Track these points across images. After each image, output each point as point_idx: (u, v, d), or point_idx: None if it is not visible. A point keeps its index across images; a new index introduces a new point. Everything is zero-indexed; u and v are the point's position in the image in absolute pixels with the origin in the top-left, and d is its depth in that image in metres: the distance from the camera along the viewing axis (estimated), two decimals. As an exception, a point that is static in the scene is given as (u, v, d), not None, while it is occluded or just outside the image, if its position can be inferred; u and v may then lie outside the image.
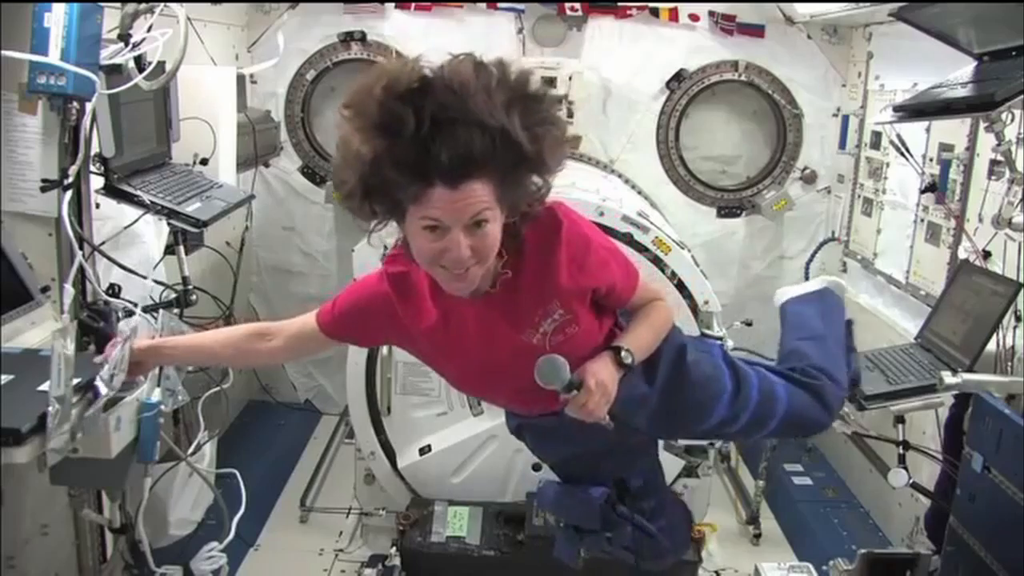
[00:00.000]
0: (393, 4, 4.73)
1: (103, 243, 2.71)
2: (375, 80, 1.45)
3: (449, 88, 1.42)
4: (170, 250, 3.06)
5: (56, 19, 2.29)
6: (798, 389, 2.12)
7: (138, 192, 2.79)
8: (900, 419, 2.75)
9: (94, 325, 2.52)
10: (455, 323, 1.74)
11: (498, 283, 1.69)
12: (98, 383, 1.86)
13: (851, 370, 2.36)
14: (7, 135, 2.45)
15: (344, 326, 1.87)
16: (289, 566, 3.63)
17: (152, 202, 2.80)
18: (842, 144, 4.73)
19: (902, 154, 3.66)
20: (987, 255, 3.00)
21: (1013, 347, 2.71)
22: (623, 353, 1.74)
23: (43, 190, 2.45)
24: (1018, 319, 2.70)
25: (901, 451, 2.76)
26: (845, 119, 4.71)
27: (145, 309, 2.76)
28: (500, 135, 1.44)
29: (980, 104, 2.34)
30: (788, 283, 4.93)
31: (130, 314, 2.70)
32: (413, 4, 4.73)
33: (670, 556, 2.36)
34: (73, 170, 2.47)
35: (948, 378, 2.46)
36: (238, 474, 3.00)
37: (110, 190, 2.76)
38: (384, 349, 3.33)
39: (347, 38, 4.75)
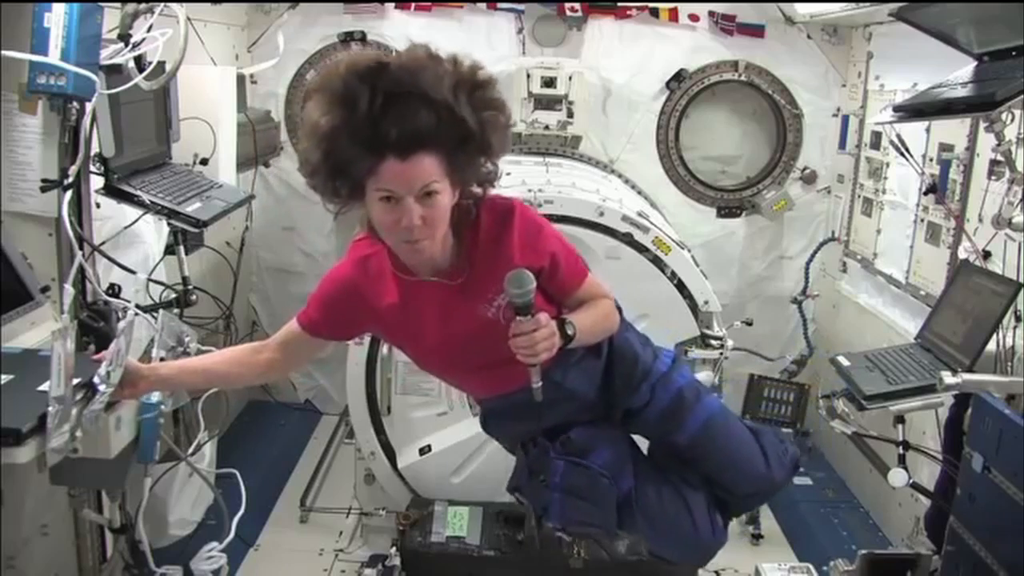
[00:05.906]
0: (393, 4, 4.73)
1: (103, 243, 2.71)
2: (341, 61, 1.65)
3: (402, 67, 1.61)
4: (170, 250, 3.06)
5: (56, 19, 2.29)
6: (742, 426, 2.25)
7: (138, 192, 2.79)
8: (900, 419, 2.75)
9: (94, 325, 2.52)
10: (414, 302, 1.88)
11: (454, 262, 1.84)
12: (96, 380, 1.87)
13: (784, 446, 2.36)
14: (7, 135, 2.45)
15: (322, 319, 1.95)
16: (289, 566, 3.63)
17: (152, 202, 2.80)
18: (842, 144, 4.73)
19: (902, 154, 3.65)
20: (987, 255, 2.99)
21: (1013, 347, 2.70)
22: (567, 324, 1.85)
23: (43, 190, 2.44)
24: (1018, 319, 2.70)
25: (901, 451, 2.75)
26: (845, 119, 4.70)
27: (145, 309, 2.76)
28: (445, 111, 1.61)
29: (980, 104, 2.33)
30: (789, 283, 5.00)
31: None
32: (413, 4, 4.74)
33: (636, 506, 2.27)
34: (73, 170, 2.46)
35: (948, 378, 2.45)
36: (238, 474, 3.00)
37: (110, 190, 2.76)
38: (384, 349, 3.33)
39: (347, 38, 4.75)
